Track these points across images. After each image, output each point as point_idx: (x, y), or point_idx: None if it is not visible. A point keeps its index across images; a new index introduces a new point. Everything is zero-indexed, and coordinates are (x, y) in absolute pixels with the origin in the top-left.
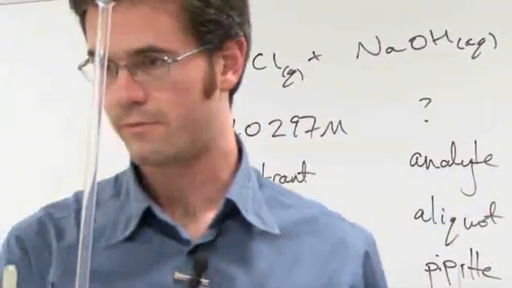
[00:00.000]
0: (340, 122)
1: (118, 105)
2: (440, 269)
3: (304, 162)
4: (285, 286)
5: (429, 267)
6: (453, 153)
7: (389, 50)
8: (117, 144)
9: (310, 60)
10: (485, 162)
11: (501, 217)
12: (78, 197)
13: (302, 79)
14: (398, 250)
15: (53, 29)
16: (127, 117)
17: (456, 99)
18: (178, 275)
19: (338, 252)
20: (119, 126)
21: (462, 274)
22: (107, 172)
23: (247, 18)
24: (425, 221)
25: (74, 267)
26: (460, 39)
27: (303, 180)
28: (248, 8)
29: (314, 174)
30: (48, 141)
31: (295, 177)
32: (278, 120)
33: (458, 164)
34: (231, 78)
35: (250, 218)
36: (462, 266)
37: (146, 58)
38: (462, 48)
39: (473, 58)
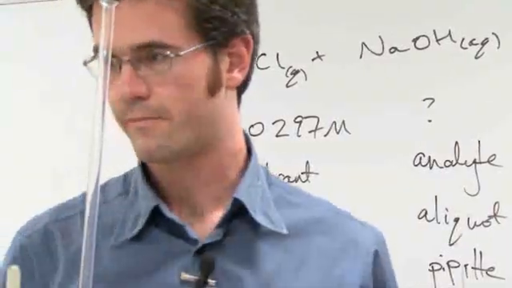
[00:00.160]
0: (343, 121)
1: (122, 100)
2: (443, 269)
3: (307, 162)
4: (292, 286)
5: (432, 267)
6: (456, 153)
7: (392, 50)
8: (120, 141)
9: (313, 60)
10: (488, 162)
11: (504, 217)
12: (85, 196)
13: (306, 79)
14: (401, 249)
15: (53, 29)
16: (131, 112)
17: (459, 99)
18: (185, 275)
19: (347, 251)
20: (124, 122)
21: (466, 274)
22: (111, 169)
23: (254, 17)
24: (428, 221)
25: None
26: (463, 39)
27: (307, 180)
28: (255, 7)
29: (317, 173)
30: (48, 141)
31: (299, 177)
32: (282, 120)
33: (462, 164)
34: (237, 75)
35: (258, 217)
36: (465, 266)
37: (149, 53)
38: (466, 48)
39: (476, 57)
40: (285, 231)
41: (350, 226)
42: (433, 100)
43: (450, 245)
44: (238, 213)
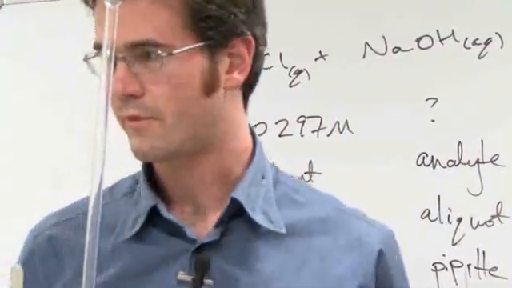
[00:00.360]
0: (346, 121)
1: (116, 97)
2: (447, 269)
3: (310, 162)
4: (292, 287)
5: (435, 267)
6: (459, 152)
7: (395, 50)
8: (124, 141)
9: (316, 60)
10: (491, 161)
11: (507, 217)
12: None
13: (309, 79)
14: (404, 249)
15: (53, 29)
16: (125, 109)
17: (462, 99)
18: (182, 275)
19: (350, 250)
20: (121, 119)
21: (469, 273)
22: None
23: (258, 18)
24: (431, 221)
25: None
26: (466, 39)
27: (310, 180)
28: (260, 8)
29: (320, 173)
30: (48, 141)
31: (302, 177)
32: (285, 120)
33: (465, 164)
34: (237, 76)
35: (257, 217)
36: (468, 265)
37: (143, 52)
38: (469, 48)
39: (479, 57)
40: (283, 231)
41: (355, 224)
42: (436, 100)
43: (453, 245)
44: (237, 212)
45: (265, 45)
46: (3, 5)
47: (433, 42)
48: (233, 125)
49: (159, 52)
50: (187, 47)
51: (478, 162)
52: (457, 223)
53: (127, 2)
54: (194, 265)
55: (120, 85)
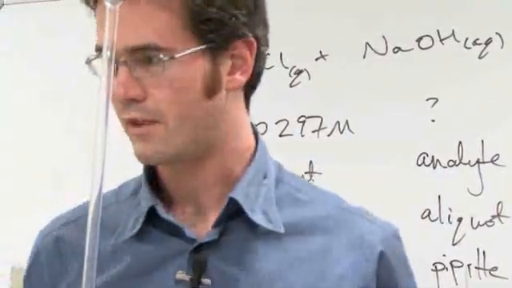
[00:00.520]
0: (347, 121)
1: (118, 100)
2: (447, 269)
3: (311, 162)
4: (291, 286)
5: (436, 267)
6: (460, 152)
7: (396, 50)
8: (124, 141)
9: (316, 60)
10: (492, 161)
11: (508, 217)
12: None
13: (309, 79)
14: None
15: (53, 29)
16: (128, 113)
17: (463, 99)
18: (180, 275)
19: (351, 250)
20: (123, 122)
21: (469, 273)
22: (115, 170)
23: (260, 20)
24: (432, 220)
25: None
26: (467, 39)
27: (310, 180)
28: (261, 9)
29: (320, 173)
30: (48, 141)
31: (302, 176)
32: (285, 120)
33: (465, 164)
34: (239, 78)
35: (256, 217)
36: (468, 265)
37: (144, 56)
38: (469, 48)
39: (480, 57)
40: (282, 230)
41: (358, 223)
42: (436, 100)
43: (454, 244)
44: (236, 212)
45: (267, 45)
46: (3, 5)
47: (433, 42)
48: (235, 125)
49: (161, 56)
50: (189, 51)
51: (478, 162)
52: (457, 223)
53: (127, 5)
54: (192, 264)
55: (122, 89)
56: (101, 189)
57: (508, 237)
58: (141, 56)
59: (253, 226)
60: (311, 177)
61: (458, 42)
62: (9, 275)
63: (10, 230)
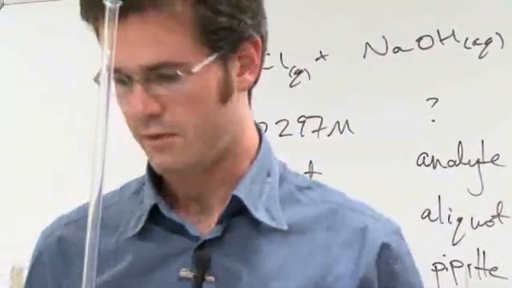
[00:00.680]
0: (347, 121)
1: (136, 117)
2: (447, 269)
3: (311, 162)
4: (295, 282)
5: (436, 267)
6: (460, 152)
7: (396, 50)
8: (124, 142)
9: (317, 60)
10: (492, 161)
11: (507, 216)
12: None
13: (309, 79)
14: None
15: (53, 29)
16: (146, 128)
17: (463, 99)
18: (184, 272)
19: (352, 246)
20: (139, 137)
21: (469, 273)
22: (115, 170)
23: (261, 16)
24: (432, 221)
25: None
26: (467, 39)
27: None
28: (261, 5)
29: (320, 173)
30: (48, 141)
31: None
32: (285, 120)
33: (465, 164)
34: (248, 77)
35: (259, 214)
36: (468, 265)
37: (159, 73)
38: (469, 48)
39: (480, 57)
40: (285, 228)
41: (360, 219)
42: (436, 100)
43: (454, 244)
44: (240, 209)
45: (267, 39)
46: (3, 5)
47: (433, 42)
48: (243, 124)
49: (178, 72)
50: (204, 63)
51: (478, 162)
52: (457, 223)
53: (137, 24)
54: (196, 262)
55: (140, 105)
56: (101, 189)
57: (508, 237)
58: (156, 73)
59: (256, 223)
60: (311, 177)
61: (458, 41)
62: (9, 275)
63: (9, 229)
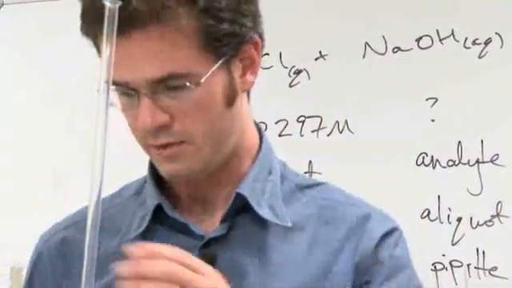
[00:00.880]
0: (346, 121)
1: (144, 129)
2: (446, 268)
3: (310, 162)
4: (298, 278)
5: (435, 267)
6: (459, 152)
7: (395, 50)
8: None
9: (316, 60)
10: (491, 161)
11: (507, 216)
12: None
13: (309, 79)
14: None
15: (53, 29)
16: (154, 138)
17: (462, 99)
18: None
19: (351, 240)
20: (146, 146)
21: (469, 273)
22: (114, 172)
23: (258, 16)
24: (431, 220)
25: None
26: (466, 39)
27: None
28: (257, 5)
29: (320, 173)
30: (48, 141)
31: None
32: (285, 120)
33: (465, 164)
34: (250, 78)
35: (263, 211)
36: (468, 265)
37: (167, 85)
38: (469, 47)
39: (479, 57)
40: (289, 224)
41: (360, 210)
42: (436, 100)
43: (453, 244)
44: (243, 207)
45: (264, 36)
46: (3, 5)
47: (433, 41)
48: (244, 125)
49: (186, 83)
50: (210, 71)
51: (477, 161)
52: (456, 223)
53: (141, 38)
54: (202, 260)
55: (149, 118)
56: (100, 190)
57: (507, 237)
58: (164, 85)
59: (260, 220)
60: (310, 177)
61: (458, 41)
62: (8, 275)
63: (10, 229)
